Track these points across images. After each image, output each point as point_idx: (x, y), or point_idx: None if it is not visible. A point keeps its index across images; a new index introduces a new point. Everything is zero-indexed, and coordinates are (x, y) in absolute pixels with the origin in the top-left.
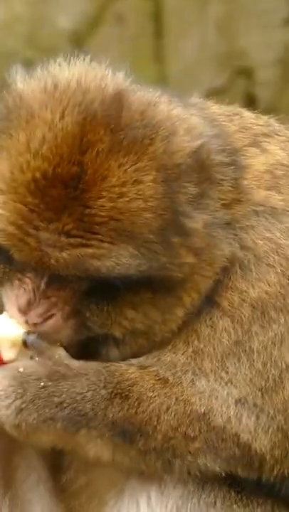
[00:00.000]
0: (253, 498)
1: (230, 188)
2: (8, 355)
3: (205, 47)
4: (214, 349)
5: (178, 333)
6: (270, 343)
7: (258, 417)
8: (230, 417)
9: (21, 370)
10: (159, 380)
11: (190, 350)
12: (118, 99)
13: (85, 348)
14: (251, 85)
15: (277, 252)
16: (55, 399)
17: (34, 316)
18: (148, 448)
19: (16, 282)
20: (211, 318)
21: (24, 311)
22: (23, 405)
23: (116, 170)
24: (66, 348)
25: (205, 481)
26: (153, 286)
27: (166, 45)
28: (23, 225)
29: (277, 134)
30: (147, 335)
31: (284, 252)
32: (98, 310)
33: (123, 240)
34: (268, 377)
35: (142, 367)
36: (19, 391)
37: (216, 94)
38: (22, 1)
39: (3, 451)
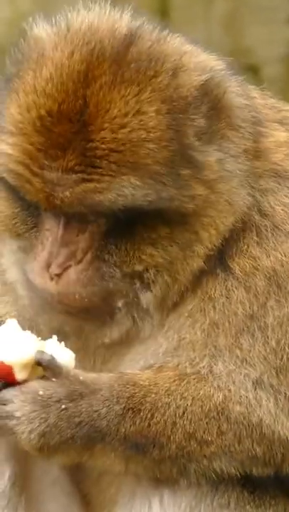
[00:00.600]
0: (265, 498)
1: (250, 139)
2: (21, 375)
3: (210, 44)
4: (229, 323)
5: (194, 294)
6: (285, 319)
7: (276, 399)
8: (250, 400)
9: (41, 393)
10: (174, 379)
11: (206, 322)
12: (128, 37)
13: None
14: (257, 82)
15: None
16: (76, 419)
17: (55, 267)
18: (163, 457)
19: (40, 236)
20: (226, 286)
21: (47, 263)
22: (47, 429)
23: (118, 101)
24: (95, 314)
25: (219, 481)
26: (168, 221)
27: None
28: (30, 164)
29: None
30: (170, 272)
31: None
32: (117, 250)
33: (125, 171)
34: (282, 356)
35: (159, 369)
36: (43, 416)
37: None
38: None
39: (21, 450)
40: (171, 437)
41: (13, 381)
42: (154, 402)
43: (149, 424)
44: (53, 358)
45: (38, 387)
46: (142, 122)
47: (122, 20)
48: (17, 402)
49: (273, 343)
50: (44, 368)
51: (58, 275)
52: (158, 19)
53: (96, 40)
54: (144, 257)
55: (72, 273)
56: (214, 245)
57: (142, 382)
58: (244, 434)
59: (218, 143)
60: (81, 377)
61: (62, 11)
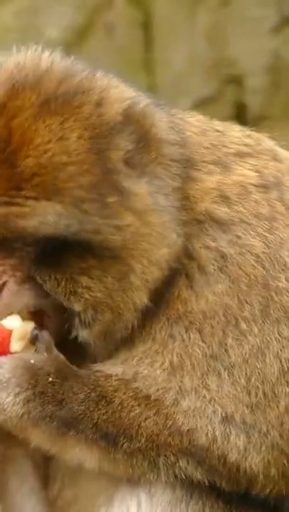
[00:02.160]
0: (241, 508)
1: (178, 182)
2: (15, 346)
3: (194, 56)
4: (192, 364)
5: (144, 336)
6: (249, 355)
7: (248, 435)
8: (216, 436)
9: (32, 361)
10: (140, 394)
11: (166, 363)
12: (52, 72)
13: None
14: (241, 93)
15: (223, 260)
16: (58, 396)
17: None
18: (133, 449)
19: None
20: (172, 330)
21: None
22: (32, 397)
23: (42, 130)
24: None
25: (193, 488)
26: (95, 252)
27: (156, 54)
28: None
29: (261, 154)
30: (111, 308)
31: (230, 260)
32: (48, 277)
33: (49, 196)
34: (256, 393)
35: (124, 379)
36: (31, 381)
37: (205, 102)
38: (11, 12)
39: None
40: (139, 431)
41: (5, 350)
42: (122, 400)
43: (120, 417)
44: (48, 335)
45: (30, 356)
46: (63, 147)
47: (48, 57)
48: (8, 365)
49: (243, 382)
50: (39, 341)
51: None
52: (141, 31)
53: (20, 75)
54: (80, 290)
55: (12, 285)
56: (153, 278)
57: (112, 381)
58: (209, 456)
59: (149, 176)
60: (67, 363)
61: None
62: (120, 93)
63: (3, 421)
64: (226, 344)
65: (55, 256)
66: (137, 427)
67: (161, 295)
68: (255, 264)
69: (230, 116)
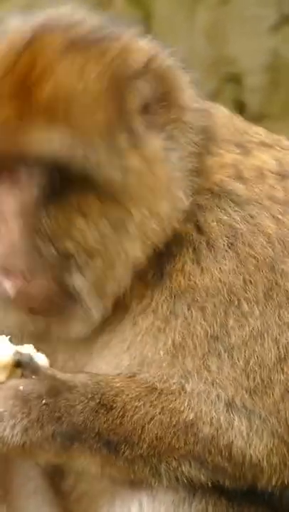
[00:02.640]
0: (244, 505)
1: (195, 152)
2: (0, 377)
3: (193, 54)
4: (194, 344)
5: (145, 310)
6: (248, 338)
7: (249, 420)
8: (220, 423)
9: (21, 388)
10: (146, 387)
11: (169, 343)
12: (84, 22)
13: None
14: (240, 92)
15: (234, 237)
16: (56, 414)
17: None
18: (134, 456)
19: None
20: (174, 305)
21: None
22: (29, 424)
23: (65, 64)
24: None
25: (196, 488)
26: (99, 193)
27: None
28: None
29: (283, 148)
30: (104, 256)
31: (242, 238)
32: (48, 219)
33: (59, 122)
34: (254, 377)
35: (129, 375)
36: (25, 410)
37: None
38: (8, 10)
39: (1, 459)
40: (142, 436)
41: None
42: (124, 404)
43: (121, 423)
44: (31, 357)
45: (19, 383)
46: (82, 81)
47: (87, 15)
48: None
49: (242, 364)
50: (23, 366)
51: None
52: (141, 29)
53: (56, 21)
54: (74, 231)
55: (3, 230)
56: (151, 232)
57: (113, 384)
58: (213, 450)
59: (166, 134)
60: (58, 375)
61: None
62: (149, 47)
63: (7, 452)
64: (226, 325)
65: (57, 193)
66: (139, 432)
67: (163, 264)
68: (266, 245)
69: None
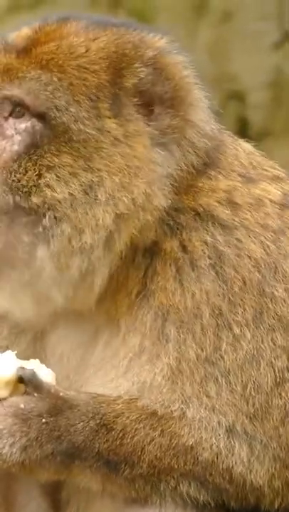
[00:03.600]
0: None
1: (190, 172)
2: (3, 393)
3: (196, 70)
4: (190, 370)
5: (135, 325)
6: (243, 362)
7: (250, 446)
8: (220, 449)
9: (22, 406)
10: (146, 411)
11: (166, 369)
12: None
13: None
14: (243, 109)
15: (218, 259)
16: (56, 433)
17: None
18: (134, 475)
19: None
20: (162, 326)
21: None
22: (28, 443)
23: (78, 31)
24: None
25: (204, 505)
26: (72, 148)
27: None
28: None
29: None
30: (72, 220)
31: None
32: (21, 169)
33: (52, 68)
34: (253, 402)
35: (129, 399)
36: (24, 429)
37: None
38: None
39: (4, 477)
40: (142, 457)
41: None
42: (124, 426)
43: (121, 444)
44: (34, 373)
45: (20, 401)
46: (87, 44)
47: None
48: None
49: (239, 389)
50: (26, 383)
51: None
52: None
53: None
54: (43, 186)
55: None
56: (122, 205)
57: (115, 406)
58: (213, 472)
59: (161, 141)
60: (61, 393)
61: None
62: (169, 47)
63: (7, 468)
64: (220, 349)
65: (34, 146)
66: (139, 453)
67: (147, 281)
68: (252, 269)
69: (232, 132)
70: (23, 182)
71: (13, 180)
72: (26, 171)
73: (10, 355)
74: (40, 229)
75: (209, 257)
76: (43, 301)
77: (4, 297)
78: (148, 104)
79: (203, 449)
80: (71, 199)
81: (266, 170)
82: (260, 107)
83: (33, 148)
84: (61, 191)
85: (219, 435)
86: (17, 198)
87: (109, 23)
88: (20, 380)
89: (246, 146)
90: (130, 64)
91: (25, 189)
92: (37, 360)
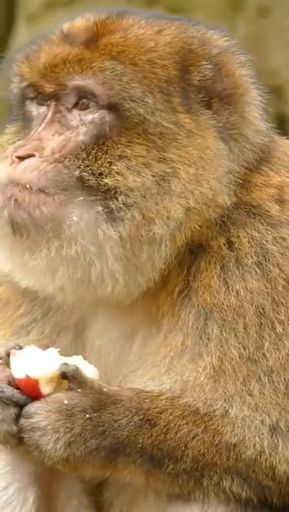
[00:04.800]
0: None
1: (245, 167)
2: (47, 389)
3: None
4: (233, 368)
5: (177, 325)
6: (285, 360)
7: None
8: (264, 448)
9: (66, 402)
10: (189, 409)
11: (208, 368)
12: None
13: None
14: (281, 105)
15: (264, 257)
16: (100, 429)
17: (19, 150)
18: (178, 471)
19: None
20: (205, 325)
21: (15, 149)
22: (72, 439)
23: (146, 25)
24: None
25: (247, 501)
26: (146, 139)
27: None
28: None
29: None
30: (142, 210)
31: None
32: (87, 153)
33: (123, 63)
34: None
35: (172, 397)
36: (68, 425)
37: None
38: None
39: (45, 476)
40: (185, 453)
41: (38, 396)
42: (168, 421)
43: (165, 439)
44: (77, 369)
45: (63, 397)
46: (157, 38)
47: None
48: (42, 412)
49: (282, 388)
50: (69, 378)
51: (20, 158)
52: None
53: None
54: (114, 171)
55: (33, 161)
56: (195, 198)
57: (158, 402)
58: (256, 470)
59: (222, 135)
60: (105, 389)
61: None
62: (229, 46)
63: (52, 464)
64: (262, 347)
65: (104, 137)
66: (183, 448)
67: (190, 280)
68: None
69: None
70: (94, 167)
71: (81, 165)
72: (96, 159)
73: (53, 352)
74: (107, 210)
75: (256, 255)
76: (90, 285)
77: (48, 275)
78: (209, 100)
79: (247, 447)
80: (144, 188)
81: None
82: None
83: (101, 140)
84: (133, 180)
85: (263, 434)
86: (85, 175)
87: (166, 17)
88: (64, 376)
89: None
90: (197, 61)
91: (97, 171)
92: (80, 357)
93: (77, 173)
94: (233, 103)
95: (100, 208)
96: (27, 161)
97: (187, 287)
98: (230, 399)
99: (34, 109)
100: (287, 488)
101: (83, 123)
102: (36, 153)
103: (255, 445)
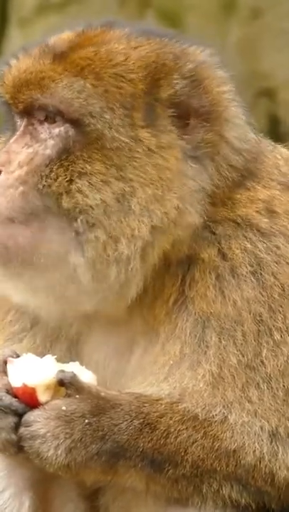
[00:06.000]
0: None
1: (226, 186)
2: (44, 397)
3: (226, 68)
4: (232, 375)
5: (174, 335)
6: (284, 367)
7: None
8: (263, 454)
9: (64, 408)
10: (188, 415)
11: (207, 375)
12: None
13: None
14: (274, 106)
15: (258, 266)
16: (99, 433)
17: None
18: (177, 476)
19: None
20: (203, 333)
21: None
22: (72, 444)
23: (119, 39)
24: None
25: (245, 507)
26: (105, 156)
27: None
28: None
29: None
30: (106, 228)
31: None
32: (49, 171)
33: (87, 75)
34: None
35: (172, 401)
36: (67, 431)
37: None
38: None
39: (40, 481)
40: (184, 458)
41: (35, 404)
42: (168, 426)
43: (165, 443)
44: (74, 375)
45: (61, 403)
46: (126, 53)
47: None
48: (41, 420)
49: (281, 394)
50: (66, 385)
51: None
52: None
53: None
54: (74, 190)
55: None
56: (155, 218)
57: (158, 406)
58: (256, 476)
59: (195, 154)
60: (103, 393)
61: None
62: (210, 61)
63: (54, 471)
64: (260, 354)
65: (67, 151)
66: (182, 453)
67: (185, 289)
68: None
69: (263, 131)
70: (54, 188)
71: (44, 185)
72: (57, 177)
73: (49, 359)
74: (73, 234)
75: (250, 264)
76: (69, 303)
77: (27, 294)
78: (184, 117)
79: (246, 453)
80: (104, 206)
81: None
82: None
83: (65, 154)
84: (93, 197)
85: (262, 440)
86: (47, 201)
87: (154, 32)
88: (61, 383)
89: (285, 152)
90: (168, 75)
91: (55, 194)
92: (77, 363)
93: (40, 198)
94: (212, 120)
95: (67, 234)
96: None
97: (183, 296)
98: (229, 405)
99: (18, 119)
100: (286, 494)
101: (51, 136)
102: (3, 168)
103: (254, 451)
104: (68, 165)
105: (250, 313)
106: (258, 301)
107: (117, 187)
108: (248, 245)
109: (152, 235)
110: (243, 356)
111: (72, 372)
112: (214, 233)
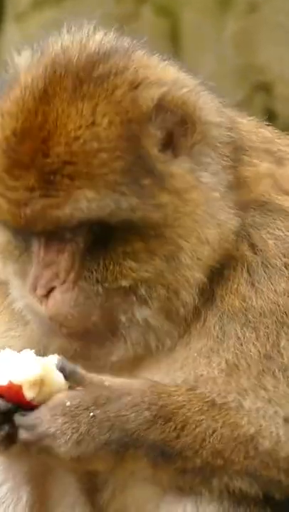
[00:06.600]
0: None
1: (229, 163)
2: (30, 394)
3: (222, 62)
4: (248, 364)
5: (198, 330)
6: None
7: None
8: (280, 436)
9: (68, 403)
10: (207, 402)
11: (223, 362)
12: (96, 54)
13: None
14: (270, 100)
15: None
16: (106, 423)
17: (39, 288)
18: (186, 468)
19: (26, 260)
20: (226, 325)
21: (33, 285)
22: (80, 437)
23: (74, 116)
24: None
25: (241, 498)
26: (141, 234)
27: (184, 61)
28: None
29: None
30: (165, 285)
31: None
32: (97, 266)
33: (80, 184)
34: None
35: (188, 388)
36: (74, 425)
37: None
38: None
39: (38, 474)
40: (198, 452)
41: (21, 401)
42: (186, 418)
43: (178, 436)
44: (74, 366)
45: (64, 398)
46: (94, 134)
47: (95, 39)
48: (46, 419)
49: None
50: (68, 378)
51: (45, 296)
52: (169, 39)
53: (62, 59)
54: (125, 271)
55: (57, 294)
56: (205, 257)
57: (176, 397)
58: (271, 464)
59: (190, 155)
60: (106, 383)
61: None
62: (159, 75)
63: (67, 464)
64: (278, 345)
65: (102, 243)
66: (198, 446)
67: (214, 286)
68: None
69: None
70: (106, 275)
71: (98, 277)
72: (105, 266)
73: (29, 354)
74: (139, 297)
75: (283, 255)
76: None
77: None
78: (168, 141)
79: (263, 437)
80: (157, 271)
81: (280, 145)
82: (288, 98)
83: (102, 246)
84: (145, 270)
85: (278, 423)
86: (106, 285)
87: (97, 70)
88: (61, 369)
89: (248, 118)
90: (142, 127)
91: (110, 278)
92: (55, 355)
93: (97, 287)
94: (190, 119)
95: (133, 300)
96: (53, 297)
97: (212, 294)
98: (244, 392)
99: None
100: None
101: (76, 241)
102: (54, 283)
103: (271, 434)
104: (108, 255)
105: (279, 306)
106: (288, 294)
107: (162, 252)
108: (280, 233)
109: (206, 271)
110: (263, 347)
111: (74, 365)
112: (243, 223)
